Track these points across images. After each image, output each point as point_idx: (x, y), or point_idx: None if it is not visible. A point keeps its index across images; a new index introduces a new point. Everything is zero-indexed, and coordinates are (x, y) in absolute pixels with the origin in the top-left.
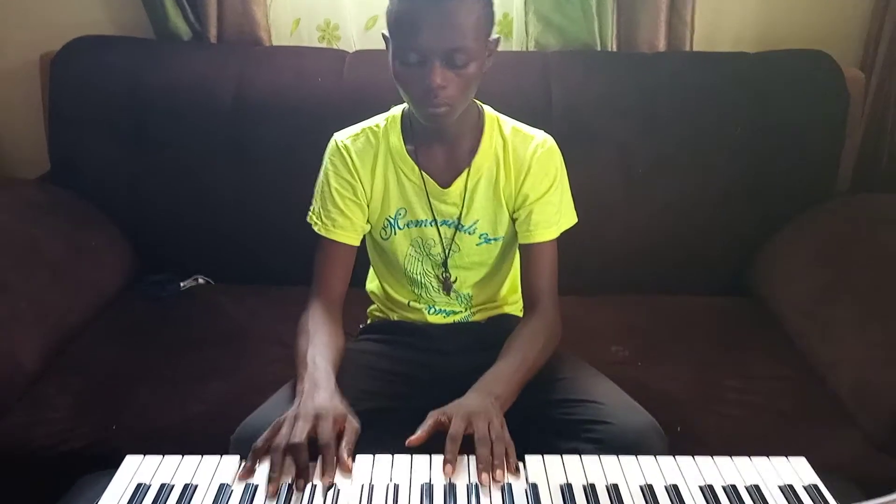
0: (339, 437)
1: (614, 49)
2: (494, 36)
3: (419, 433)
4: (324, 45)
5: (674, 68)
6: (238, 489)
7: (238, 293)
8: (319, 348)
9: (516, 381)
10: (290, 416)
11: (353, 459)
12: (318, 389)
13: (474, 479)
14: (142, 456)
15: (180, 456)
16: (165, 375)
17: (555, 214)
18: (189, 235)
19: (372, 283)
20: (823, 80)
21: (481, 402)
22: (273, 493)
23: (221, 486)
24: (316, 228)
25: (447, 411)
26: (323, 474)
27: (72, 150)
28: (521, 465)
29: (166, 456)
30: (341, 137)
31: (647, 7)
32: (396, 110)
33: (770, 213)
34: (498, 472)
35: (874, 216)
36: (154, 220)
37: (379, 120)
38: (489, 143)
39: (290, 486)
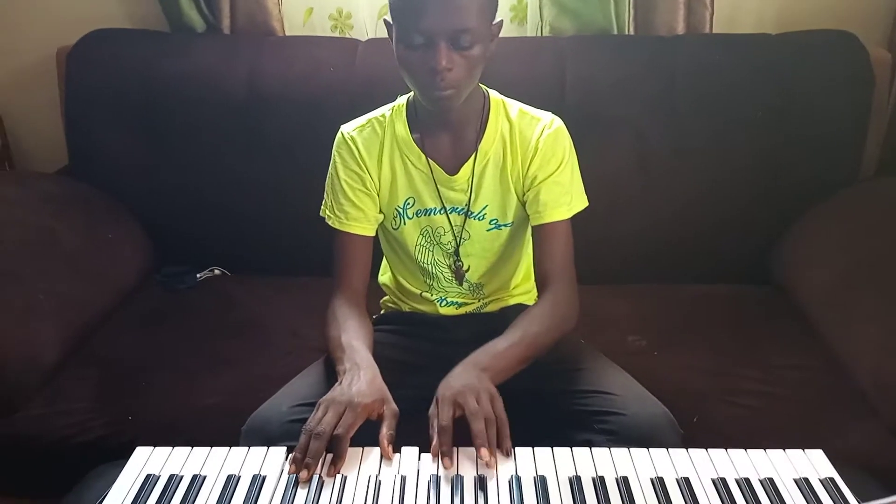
0: (378, 420)
1: (631, 33)
2: (498, 19)
3: (435, 441)
4: (336, 34)
5: (693, 51)
6: (245, 480)
7: (254, 284)
8: (353, 334)
9: (511, 355)
10: (326, 399)
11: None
12: (360, 371)
13: (482, 471)
14: (152, 447)
15: (189, 447)
16: (182, 366)
17: (564, 195)
18: (205, 227)
19: (384, 275)
20: (848, 62)
21: (466, 377)
22: (293, 471)
23: (229, 478)
24: (330, 222)
25: (436, 400)
26: (332, 463)
27: (89, 143)
28: (532, 451)
29: (176, 447)
30: (347, 129)
31: None
32: (402, 99)
33: (792, 199)
34: (483, 450)
35: None
36: (171, 212)
37: (384, 110)
38: (495, 128)
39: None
